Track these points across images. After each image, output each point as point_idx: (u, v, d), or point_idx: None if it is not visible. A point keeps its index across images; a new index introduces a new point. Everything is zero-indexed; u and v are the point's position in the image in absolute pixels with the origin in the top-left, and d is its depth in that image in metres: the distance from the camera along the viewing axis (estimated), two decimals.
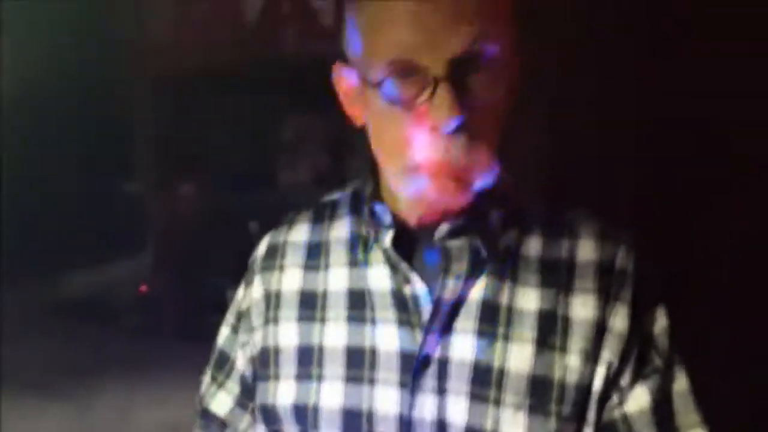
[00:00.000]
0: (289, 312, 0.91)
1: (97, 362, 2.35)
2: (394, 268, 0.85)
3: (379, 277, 0.87)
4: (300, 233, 0.95)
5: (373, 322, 0.85)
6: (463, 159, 0.77)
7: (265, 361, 0.92)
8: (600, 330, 0.83)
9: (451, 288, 0.83)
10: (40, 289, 2.77)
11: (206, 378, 1.00)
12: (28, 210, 2.45)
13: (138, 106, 2.41)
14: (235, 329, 0.99)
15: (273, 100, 2.61)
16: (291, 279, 0.93)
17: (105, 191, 2.68)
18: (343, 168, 2.51)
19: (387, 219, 0.85)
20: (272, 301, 0.93)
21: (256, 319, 0.94)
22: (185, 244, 2.61)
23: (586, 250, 0.86)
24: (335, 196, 0.97)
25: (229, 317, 1.00)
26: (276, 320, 0.91)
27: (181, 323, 2.55)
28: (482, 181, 0.80)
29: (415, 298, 0.84)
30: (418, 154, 0.77)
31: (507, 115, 0.82)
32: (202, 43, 2.48)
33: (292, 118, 2.58)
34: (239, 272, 1.03)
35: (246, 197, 2.57)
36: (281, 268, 0.93)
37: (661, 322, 0.86)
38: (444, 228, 0.82)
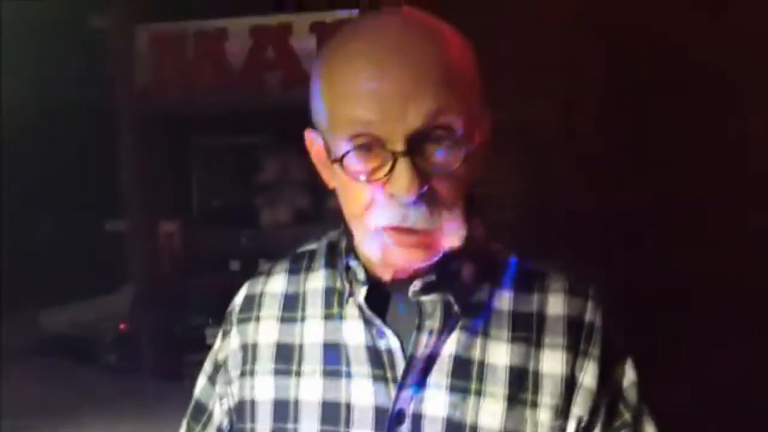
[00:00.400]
0: (265, 365, 0.91)
1: (76, 400, 2.33)
2: (368, 323, 0.87)
3: (354, 332, 0.88)
4: (277, 284, 0.96)
5: (349, 376, 0.86)
6: (426, 226, 0.80)
7: (241, 415, 0.92)
8: (570, 385, 0.86)
9: (424, 343, 0.85)
10: (20, 327, 2.76)
11: (183, 428, 1.00)
12: (9, 247, 2.45)
13: (122, 146, 2.44)
14: (212, 380, 1.00)
15: (255, 141, 2.66)
16: (267, 331, 0.94)
17: (87, 229, 2.69)
18: (322, 207, 2.55)
19: (361, 275, 0.86)
20: (249, 352, 0.93)
21: (233, 370, 0.95)
22: (166, 282, 2.62)
23: (556, 305, 0.88)
24: (312, 246, 0.98)
25: (207, 367, 1.01)
26: (252, 373, 0.92)
27: (161, 361, 2.54)
28: (448, 244, 0.83)
29: (390, 353, 0.86)
30: (382, 219, 0.80)
31: (475, 177, 0.85)
32: (186, 85, 2.52)
33: (273, 159, 2.62)
34: (219, 311, 1.05)
35: (227, 236, 2.59)
36: (258, 319, 0.94)
37: (629, 376, 0.89)
38: (417, 284, 0.84)
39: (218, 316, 1.07)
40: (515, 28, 1.93)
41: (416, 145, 0.75)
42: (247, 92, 2.48)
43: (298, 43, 2.47)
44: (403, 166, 0.74)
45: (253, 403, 0.91)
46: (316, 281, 0.94)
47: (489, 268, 0.90)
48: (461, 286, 0.87)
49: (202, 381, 1.02)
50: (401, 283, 0.87)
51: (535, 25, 1.95)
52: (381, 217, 0.80)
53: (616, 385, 0.88)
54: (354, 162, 0.78)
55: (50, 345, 2.95)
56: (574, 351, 0.85)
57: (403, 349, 0.85)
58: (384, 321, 0.87)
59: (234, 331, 0.97)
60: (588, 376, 0.85)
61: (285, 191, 2.55)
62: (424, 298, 0.86)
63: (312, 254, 0.97)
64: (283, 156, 2.62)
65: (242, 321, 0.97)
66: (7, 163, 2.20)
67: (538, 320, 0.87)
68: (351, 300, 0.89)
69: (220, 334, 1.01)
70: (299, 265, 0.97)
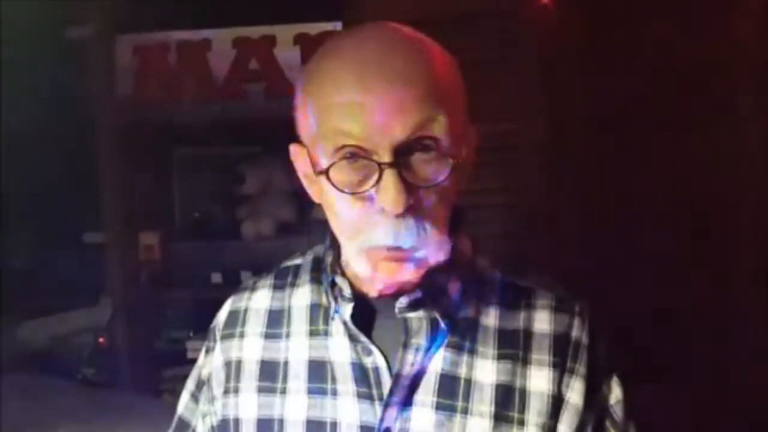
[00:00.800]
0: (249, 382, 0.91)
1: (54, 415, 2.30)
2: (354, 340, 0.87)
3: (339, 349, 0.88)
4: (262, 299, 0.96)
5: (334, 394, 0.86)
6: (413, 239, 0.79)
7: (225, 427, 0.91)
8: (557, 403, 0.86)
9: (410, 361, 0.85)
10: None
11: None
12: None
13: (101, 157, 2.41)
14: (195, 397, 0.99)
15: (237, 152, 2.64)
16: (252, 347, 0.92)
17: (65, 240, 2.66)
18: (305, 219, 2.54)
19: (347, 291, 0.86)
20: (233, 369, 0.93)
21: (217, 388, 0.94)
22: (145, 295, 2.59)
23: (542, 322, 0.88)
24: (297, 260, 0.98)
25: (190, 384, 1.00)
26: (236, 390, 0.91)
27: (140, 375, 2.51)
28: (434, 258, 0.83)
29: (376, 371, 0.85)
30: (369, 236, 0.80)
31: (459, 190, 0.85)
32: (168, 96, 2.50)
33: (256, 170, 2.60)
34: (200, 324, 1.04)
35: (208, 248, 2.57)
36: (242, 335, 0.93)
37: (615, 393, 0.89)
38: (403, 301, 0.84)
39: (199, 329, 1.06)
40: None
41: (402, 158, 0.76)
42: (229, 103, 2.47)
43: (281, 55, 2.47)
44: (389, 178, 0.76)
45: (237, 421, 0.90)
46: (301, 297, 0.93)
47: (475, 284, 0.90)
48: (447, 302, 0.87)
49: (185, 397, 1.00)
50: (387, 300, 0.86)
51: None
52: (370, 237, 0.79)
53: (602, 402, 0.88)
54: (340, 174, 0.79)
55: (27, 359, 2.90)
56: (561, 368, 0.85)
57: (389, 367, 0.84)
58: (370, 338, 0.86)
59: (218, 347, 0.96)
60: (575, 393, 0.85)
61: (268, 203, 2.54)
62: (410, 315, 0.85)
63: (297, 269, 0.96)
64: (266, 168, 2.60)
65: (226, 337, 0.96)
66: None
67: (525, 337, 0.87)
68: (337, 317, 0.88)
69: (203, 350, 0.99)
70: (284, 281, 0.96)
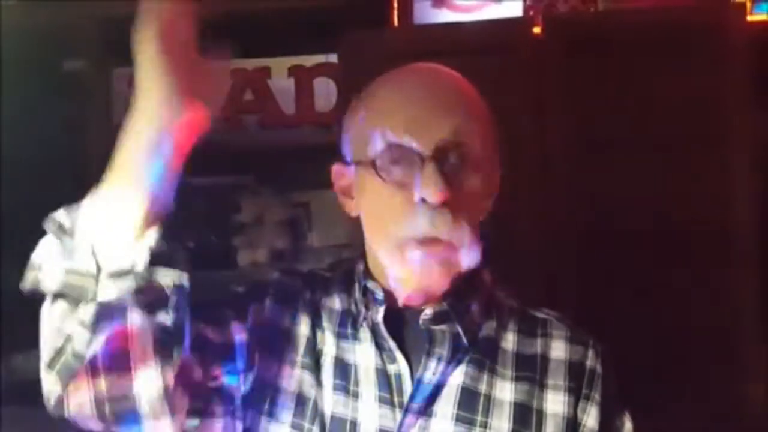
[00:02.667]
0: (293, 356, 0.93)
1: None
2: (380, 347, 0.90)
3: (365, 354, 0.91)
4: (303, 291, 1.00)
5: (356, 396, 0.89)
6: (449, 231, 0.85)
7: (262, 391, 0.91)
8: (573, 426, 0.89)
9: (432, 369, 0.88)
10: None
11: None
12: None
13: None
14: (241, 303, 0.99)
15: (231, 182, 2.66)
16: (301, 323, 0.96)
17: None
18: (300, 248, 2.55)
19: (379, 295, 0.91)
20: (283, 335, 0.96)
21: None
22: None
23: (558, 350, 0.93)
24: (325, 273, 1.02)
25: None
26: (282, 361, 0.94)
27: None
28: (467, 262, 0.88)
29: (398, 378, 0.88)
30: (409, 228, 0.85)
31: (485, 211, 0.91)
32: None
33: (251, 199, 2.62)
34: None
35: (203, 277, 2.57)
36: (295, 308, 0.98)
37: (627, 428, 0.92)
38: (428, 312, 0.89)
39: None
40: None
41: (441, 155, 0.83)
42: (224, 133, 2.50)
43: (275, 86, 2.50)
44: (430, 169, 0.83)
45: (276, 388, 0.90)
46: (333, 302, 0.96)
47: (495, 309, 0.94)
48: (470, 320, 0.91)
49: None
50: (413, 311, 0.90)
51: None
52: (409, 227, 0.84)
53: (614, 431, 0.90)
54: (385, 165, 0.84)
55: (16, 391, 2.88)
56: (577, 394, 0.88)
57: (412, 376, 0.87)
58: (396, 345, 0.89)
59: (270, 304, 0.95)
60: (591, 418, 0.87)
61: (263, 232, 2.55)
62: (434, 327, 0.88)
63: (325, 280, 0.99)
64: (260, 197, 2.62)
65: (279, 302, 1.00)
66: None
67: (542, 362, 0.91)
68: (365, 323, 0.91)
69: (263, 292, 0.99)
70: (313, 285, 0.99)
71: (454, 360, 0.89)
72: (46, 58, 2.38)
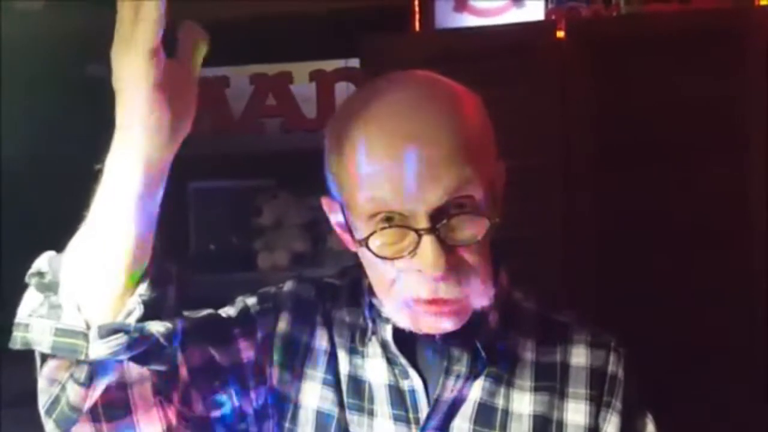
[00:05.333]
0: (315, 373, 0.91)
1: None
2: (391, 362, 0.88)
3: (376, 370, 0.89)
4: (315, 303, 0.96)
5: (371, 414, 0.87)
6: (456, 296, 0.80)
7: (281, 406, 0.90)
8: None
9: (450, 386, 0.86)
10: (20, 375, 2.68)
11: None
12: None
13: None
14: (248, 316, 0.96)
15: (252, 185, 2.67)
16: (319, 338, 0.93)
17: None
18: (320, 251, 2.56)
19: (385, 312, 0.87)
20: (301, 350, 0.93)
21: (282, 345, 0.93)
22: None
23: (579, 356, 0.89)
24: (335, 281, 0.99)
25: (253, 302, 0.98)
26: (302, 376, 0.92)
27: None
28: (478, 304, 0.84)
29: (412, 394, 0.86)
30: (413, 292, 0.80)
31: (495, 224, 0.82)
32: (190, 131, 2.53)
33: (271, 203, 2.63)
34: None
35: (224, 280, 2.59)
36: (313, 324, 0.95)
37: (649, 430, 0.90)
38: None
39: None
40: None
41: (439, 220, 0.76)
42: (246, 137, 2.51)
43: (297, 91, 2.51)
44: (428, 244, 0.76)
45: (297, 404, 0.88)
46: (342, 315, 0.94)
47: (513, 316, 0.91)
48: (487, 332, 0.88)
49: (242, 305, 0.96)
50: None
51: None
52: (410, 290, 0.81)
53: None
54: (378, 243, 0.79)
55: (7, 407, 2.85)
56: (598, 402, 0.86)
57: (427, 391, 0.85)
58: (408, 361, 0.87)
59: (288, 316, 0.93)
60: (611, 427, 0.86)
61: (283, 235, 2.56)
62: (452, 342, 0.86)
63: (335, 289, 0.97)
64: (281, 200, 2.63)
65: (297, 315, 0.95)
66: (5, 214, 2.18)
67: (562, 370, 0.89)
68: (374, 338, 0.90)
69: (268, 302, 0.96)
70: (325, 295, 0.97)
71: (472, 375, 0.87)
72: (68, 64, 2.40)
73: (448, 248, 0.77)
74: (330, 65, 2.49)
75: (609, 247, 1.94)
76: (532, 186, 1.90)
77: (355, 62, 2.42)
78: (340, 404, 0.89)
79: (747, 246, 1.90)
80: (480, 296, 0.85)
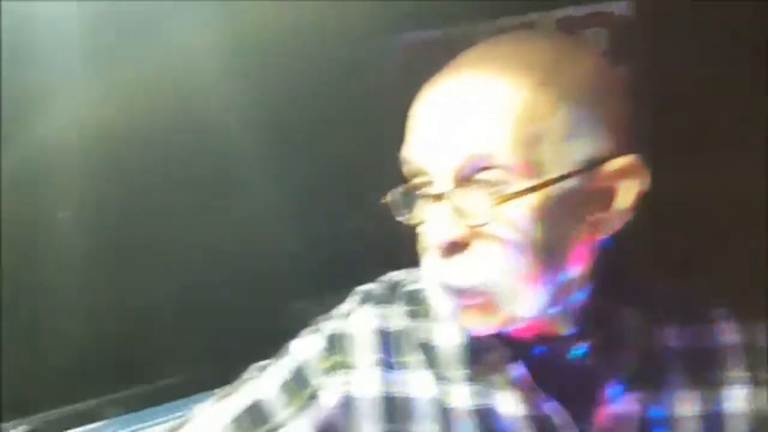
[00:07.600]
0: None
1: None
2: (521, 390, 0.77)
3: (508, 402, 0.77)
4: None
5: None
6: (468, 283, 0.70)
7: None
8: (760, 418, 0.76)
9: (596, 415, 0.76)
10: None
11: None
12: None
13: None
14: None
15: None
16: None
17: None
18: None
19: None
20: None
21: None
22: None
23: (730, 333, 0.79)
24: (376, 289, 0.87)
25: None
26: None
27: None
28: (514, 312, 0.71)
29: (551, 425, 0.76)
30: (427, 268, 0.73)
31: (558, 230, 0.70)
32: None
33: None
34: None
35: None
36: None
37: None
38: (579, 347, 0.75)
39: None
40: None
41: (460, 190, 0.70)
42: None
43: None
44: (434, 210, 0.70)
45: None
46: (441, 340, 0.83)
47: (644, 305, 0.79)
48: (618, 337, 0.76)
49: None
50: (546, 341, 0.76)
51: None
52: (428, 268, 0.74)
53: None
54: (401, 201, 0.74)
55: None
56: (756, 380, 0.78)
57: (574, 419, 0.76)
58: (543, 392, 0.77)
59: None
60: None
61: None
62: (584, 361, 0.75)
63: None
64: None
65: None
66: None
67: (715, 356, 0.79)
68: (498, 371, 0.78)
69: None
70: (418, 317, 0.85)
71: (618, 391, 0.76)
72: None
73: (460, 220, 0.69)
74: (579, 10, 2.29)
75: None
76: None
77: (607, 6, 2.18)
78: None
79: None
80: (510, 298, 0.70)
